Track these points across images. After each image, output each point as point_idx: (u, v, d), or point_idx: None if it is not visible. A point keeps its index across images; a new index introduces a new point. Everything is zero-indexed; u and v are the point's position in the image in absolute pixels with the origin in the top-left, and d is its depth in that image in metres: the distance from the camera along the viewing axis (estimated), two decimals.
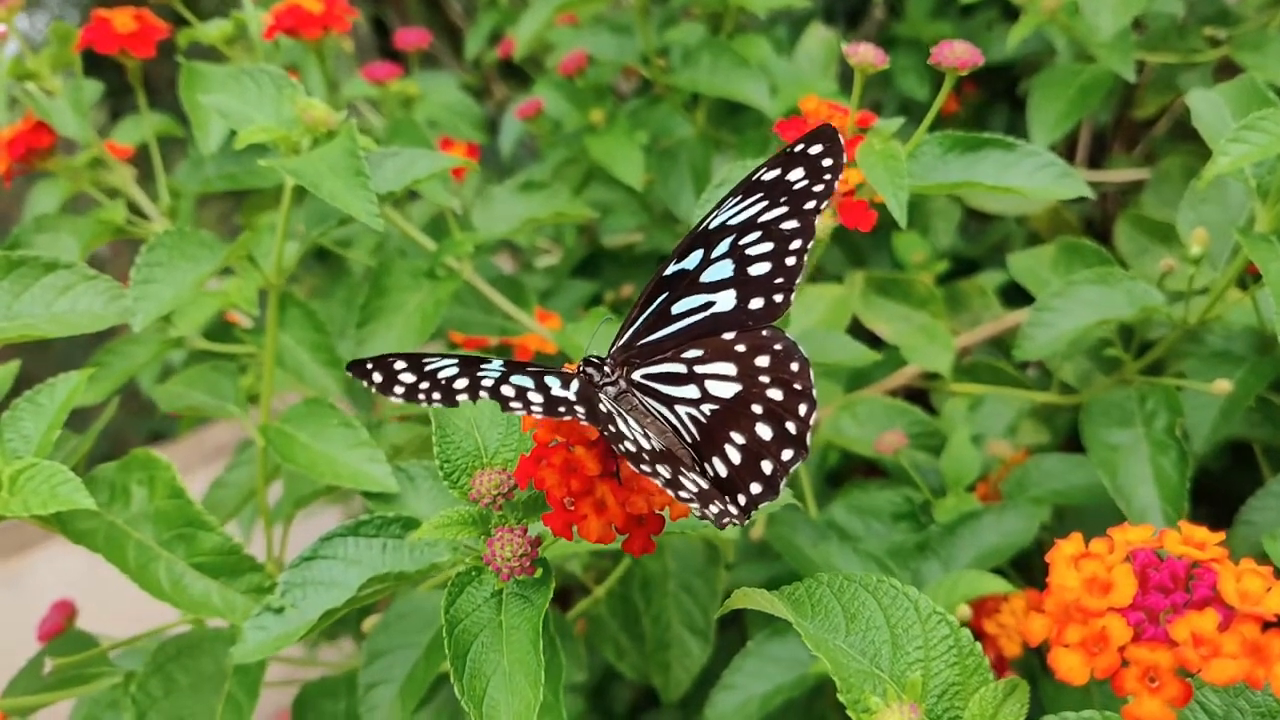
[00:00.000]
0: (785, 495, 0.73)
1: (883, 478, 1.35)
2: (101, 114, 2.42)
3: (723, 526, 0.62)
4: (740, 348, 0.67)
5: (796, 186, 0.68)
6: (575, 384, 0.65)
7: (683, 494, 0.60)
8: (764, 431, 0.65)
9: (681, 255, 0.70)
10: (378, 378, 0.60)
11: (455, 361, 0.62)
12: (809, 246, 0.68)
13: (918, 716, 0.56)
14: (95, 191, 1.20)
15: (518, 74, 2.23)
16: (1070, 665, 0.53)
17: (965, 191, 0.96)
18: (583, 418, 0.61)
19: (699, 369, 0.68)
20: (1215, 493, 1.25)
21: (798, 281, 0.68)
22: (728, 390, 0.66)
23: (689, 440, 0.67)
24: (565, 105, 1.54)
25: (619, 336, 0.71)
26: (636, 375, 0.69)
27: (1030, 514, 1.07)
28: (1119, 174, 1.59)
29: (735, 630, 1.23)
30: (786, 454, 0.64)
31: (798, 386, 0.65)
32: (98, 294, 0.90)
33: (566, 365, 0.69)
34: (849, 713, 0.57)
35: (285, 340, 1.14)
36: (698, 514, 0.62)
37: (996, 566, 1.04)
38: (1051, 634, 0.55)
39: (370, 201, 0.85)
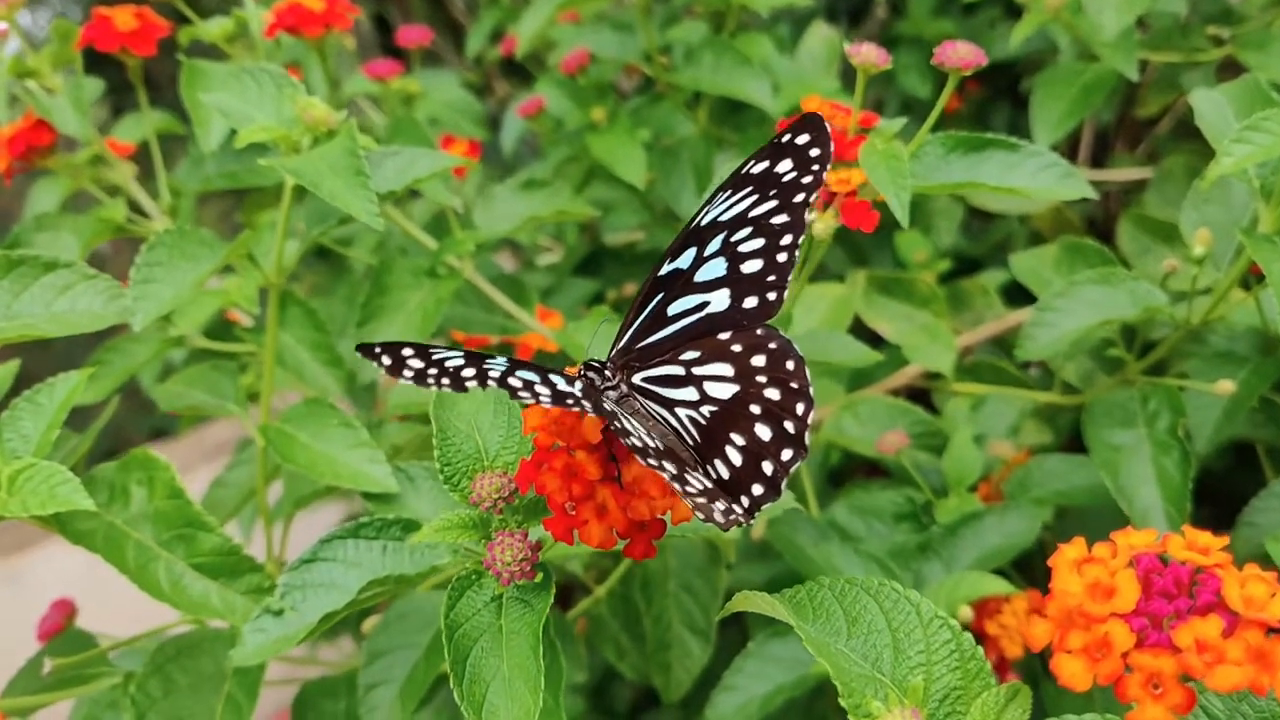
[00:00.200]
0: (788, 497, 0.73)
1: (885, 477, 1.35)
2: (103, 110, 2.41)
3: (727, 528, 0.62)
4: (736, 348, 0.67)
5: (785, 179, 0.68)
6: (579, 385, 0.64)
7: (689, 488, 0.60)
8: (763, 432, 0.64)
9: (675, 254, 0.70)
10: (386, 360, 0.60)
11: (461, 355, 0.62)
12: (799, 242, 0.68)
13: None
14: (96, 189, 1.20)
15: (520, 71, 2.23)
16: (1073, 671, 0.53)
17: (968, 191, 0.96)
18: (590, 410, 0.61)
19: (697, 370, 0.67)
20: (1218, 493, 1.25)
21: (790, 278, 0.68)
22: (726, 391, 0.66)
23: (691, 443, 0.66)
24: (567, 103, 1.54)
25: (618, 339, 0.71)
26: (636, 379, 0.69)
27: (1032, 515, 1.07)
28: (1121, 173, 1.59)
29: (736, 630, 1.23)
30: (786, 454, 0.64)
31: (794, 385, 0.65)
32: (97, 293, 0.89)
33: (567, 369, 0.68)
34: (850, 717, 0.57)
35: (286, 339, 1.14)
36: (701, 517, 0.61)
37: (998, 567, 1.04)
38: (1054, 639, 0.55)
39: (370, 201, 0.85)
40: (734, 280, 0.69)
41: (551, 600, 0.67)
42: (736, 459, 0.65)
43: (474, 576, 0.69)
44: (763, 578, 1.27)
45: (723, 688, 1.01)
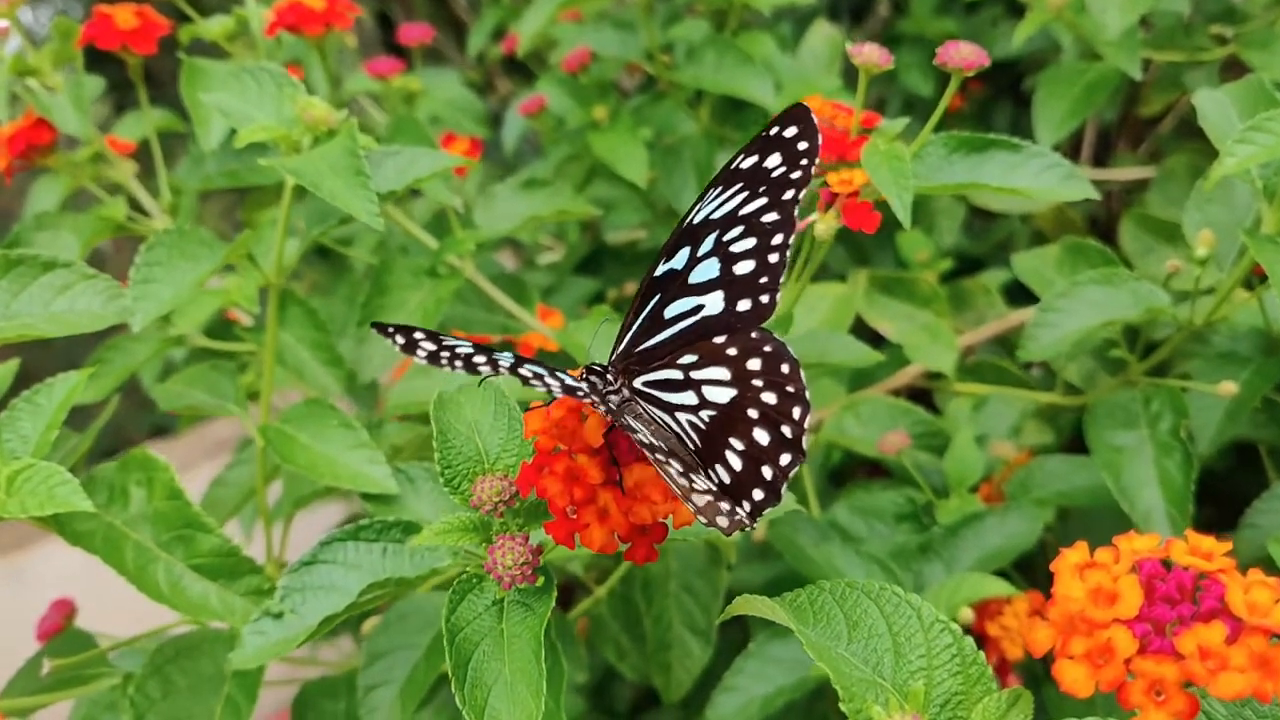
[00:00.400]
0: (789, 501, 0.73)
1: (886, 477, 1.34)
2: (106, 107, 2.41)
3: (730, 533, 0.62)
4: (731, 351, 0.67)
5: (775, 174, 0.67)
6: (586, 385, 0.64)
7: (698, 485, 0.60)
8: (761, 437, 0.64)
9: (670, 253, 0.69)
10: (400, 340, 0.60)
11: (470, 345, 0.62)
12: (790, 242, 0.67)
13: None
14: (96, 188, 1.20)
15: (522, 69, 2.22)
16: (1075, 677, 0.52)
17: (970, 192, 0.95)
18: (597, 405, 0.62)
19: (694, 375, 0.67)
20: (1220, 494, 1.25)
21: (782, 281, 0.67)
22: (724, 395, 0.66)
23: (693, 448, 0.66)
24: (568, 102, 1.54)
25: (618, 342, 0.70)
26: (637, 383, 0.68)
27: (1034, 516, 1.07)
28: (1124, 172, 1.59)
29: (737, 630, 1.23)
30: (785, 459, 0.64)
31: (790, 389, 0.64)
32: (96, 293, 0.89)
33: (569, 371, 0.68)
34: None
35: (286, 338, 1.14)
36: (704, 521, 0.61)
37: (999, 568, 1.04)
38: (1056, 645, 0.54)
39: (371, 201, 0.85)
40: (727, 282, 0.68)
41: (553, 604, 0.66)
42: (737, 464, 0.64)
43: (475, 580, 0.68)
44: (764, 578, 1.27)
45: (723, 688, 1.01)
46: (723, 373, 0.66)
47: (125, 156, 1.23)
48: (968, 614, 0.99)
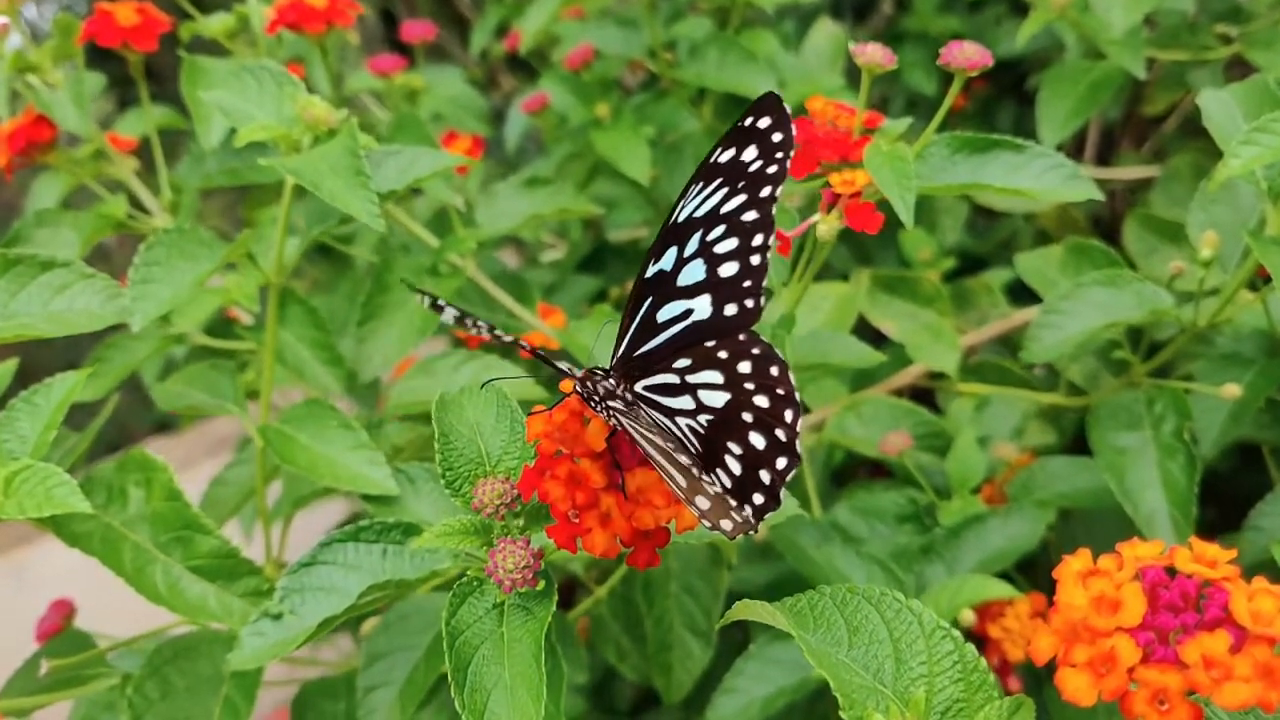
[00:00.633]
0: (791, 504, 0.72)
1: (888, 477, 1.34)
2: (109, 103, 2.41)
3: (733, 537, 0.61)
4: (722, 354, 0.66)
5: (752, 169, 0.66)
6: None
7: (707, 486, 0.60)
8: (757, 440, 0.64)
9: (658, 254, 0.68)
10: (426, 301, 0.61)
11: (489, 327, 0.62)
12: (770, 243, 0.66)
13: None
14: (97, 185, 1.19)
15: (525, 66, 2.22)
16: (1077, 686, 0.52)
17: (973, 192, 0.95)
18: (600, 410, 0.62)
19: (690, 379, 0.66)
20: (1223, 494, 1.25)
21: (765, 284, 0.66)
22: (719, 399, 0.65)
23: (694, 452, 0.66)
24: (571, 99, 1.53)
25: (617, 346, 0.69)
26: (637, 387, 0.68)
27: (1036, 517, 1.06)
28: (1128, 171, 1.58)
29: (738, 631, 1.22)
30: (781, 463, 0.63)
31: (780, 392, 0.64)
32: (95, 293, 0.89)
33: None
34: None
35: (286, 337, 1.13)
36: (708, 525, 0.61)
37: (1001, 570, 1.04)
38: (1058, 653, 0.54)
39: (371, 202, 0.84)
40: (713, 285, 0.67)
41: (554, 608, 0.66)
42: (736, 468, 0.64)
43: (475, 583, 0.68)
44: (765, 579, 1.26)
45: (723, 690, 1.01)
46: (716, 376, 0.65)
47: (127, 154, 1.23)
48: (969, 616, 0.98)
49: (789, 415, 0.63)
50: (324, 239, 1.06)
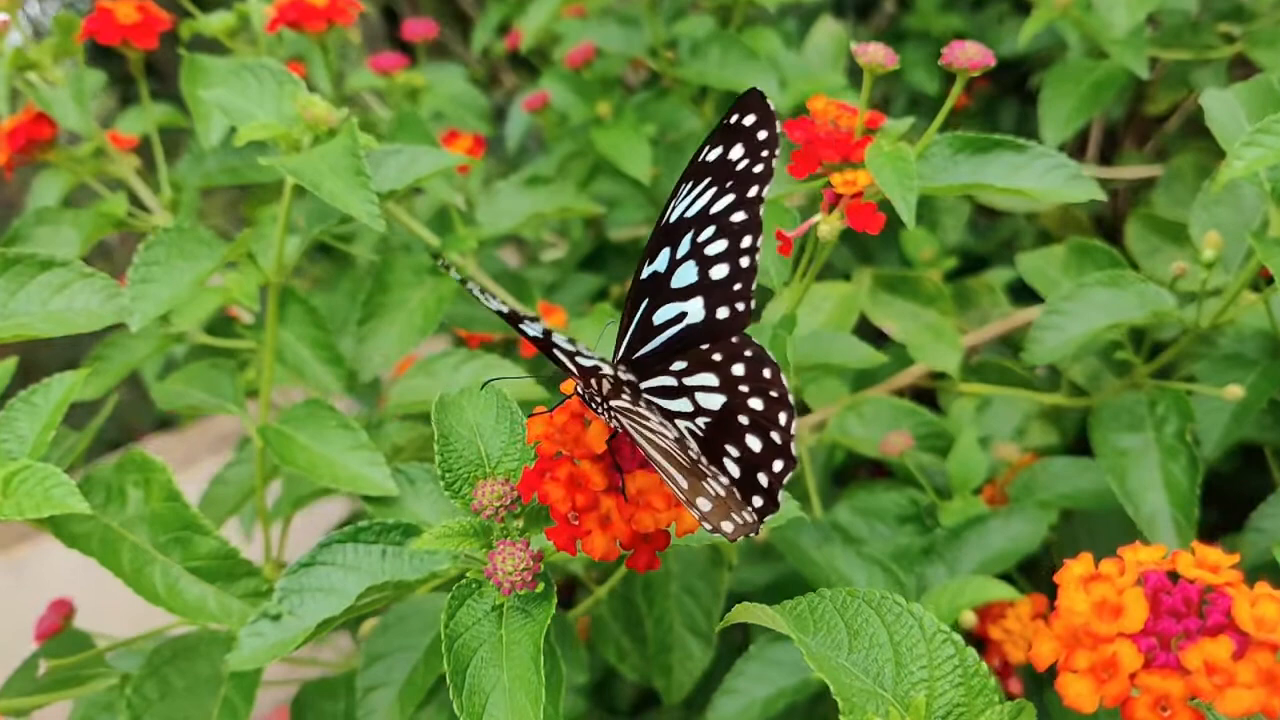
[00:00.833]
0: (792, 507, 0.72)
1: (889, 477, 1.34)
2: (111, 99, 2.41)
3: (734, 538, 0.61)
4: (716, 357, 0.65)
5: (738, 168, 0.65)
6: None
7: (706, 489, 0.60)
8: (754, 443, 0.63)
9: (652, 255, 0.67)
10: (453, 273, 0.61)
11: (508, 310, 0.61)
12: (759, 245, 0.66)
13: None
14: (97, 183, 1.19)
15: (527, 63, 2.22)
16: (1079, 691, 0.52)
17: (975, 192, 0.95)
18: (600, 412, 0.62)
19: (687, 381, 0.66)
20: (1225, 495, 1.24)
21: (754, 287, 0.66)
22: (715, 402, 0.65)
23: (695, 455, 0.65)
24: (572, 98, 1.53)
25: (616, 348, 0.69)
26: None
27: (1037, 518, 1.06)
28: (1130, 170, 1.58)
29: (738, 632, 1.22)
30: (777, 465, 0.63)
31: (774, 394, 0.63)
32: (94, 292, 0.88)
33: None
34: None
35: (286, 337, 1.13)
36: (709, 528, 0.61)
37: (1003, 571, 1.03)
38: (1060, 658, 0.54)
39: (371, 202, 0.84)
40: (705, 288, 0.66)
41: (553, 611, 0.66)
42: (734, 471, 0.63)
43: (474, 585, 0.68)
44: (765, 579, 1.26)
45: (724, 691, 1.01)
46: (712, 379, 0.65)
47: (127, 152, 1.23)
48: (970, 617, 0.98)
49: (783, 418, 0.63)
50: (324, 238, 1.06)
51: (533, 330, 0.60)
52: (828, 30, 1.63)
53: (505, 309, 0.59)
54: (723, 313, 0.66)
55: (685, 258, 0.67)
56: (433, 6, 2.66)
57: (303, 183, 0.85)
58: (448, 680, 0.64)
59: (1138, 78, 1.30)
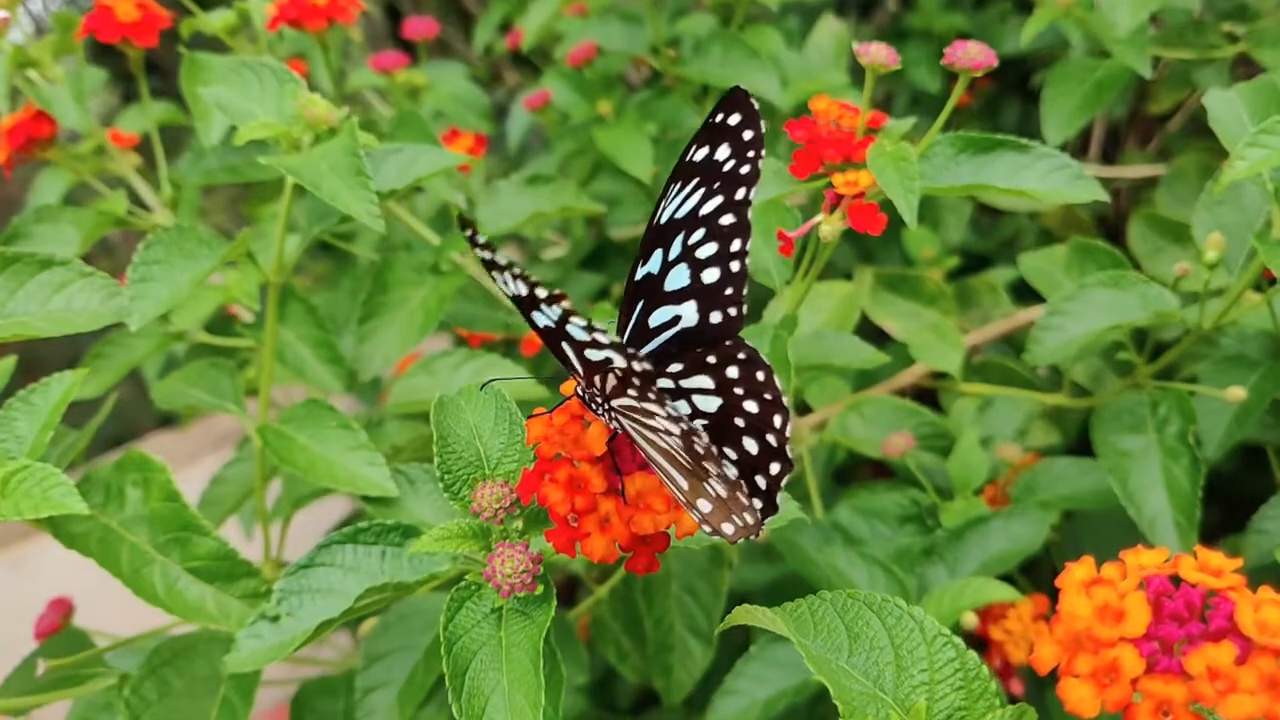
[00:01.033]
0: (792, 509, 0.72)
1: (890, 477, 1.34)
2: (112, 97, 2.40)
3: (735, 540, 0.61)
4: (711, 359, 0.65)
5: (726, 169, 0.65)
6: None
7: (707, 490, 0.59)
8: (751, 445, 0.63)
9: (645, 256, 0.67)
10: (480, 242, 0.58)
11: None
12: (748, 248, 0.65)
13: None
14: (97, 182, 1.19)
15: (529, 61, 2.21)
16: (1080, 696, 0.51)
17: (977, 192, 0.95)
18: (600, 413, 0.62)
19: (684, 384, 0.65)
20: (1227, 495, 1.24)
21: (745, 291, 0.66)
22: (712, 405, 0.64)
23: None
24: (573, 96, 1.53)
25: None
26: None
27: (1039, 519, 1.06)
28: (1133, 170, 1.57)
29: (738, 632, 1.22)
30: (774, 468, 0.63)
31: (768, 397, 0.63)
32: (94, 292, 0.88)
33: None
34: None
35: (286, 336, 1.13)
36: (709, 530, 0.60)
37: (1004, 572, 1.03)
38: (1061, 662, 0.53)
39: (371, 202, 0.84)
40: (697, 291, 0.66)
41: (552, 613, 0.66)
42: (733, 473, 0.63)
43: (473, 587, 0.68)
44: (766, 579, 1.26)
45: (724, 691, 1.00)
46: (707, 382, 0.65)
47: (128, 149, 1.23)
48: (971, 618, 0.98)
49: (778, 420, 0.62)
50: (325, 237, 1.05)
51: (548, 316, 0.58)
52: (829, 29, 1.62)
53: (524, 291, 0.57)
54: (716, 317, 0.66)
55: (677, 260, 0.66)
56: (435, 4, 2.65)
57: (302, 182, 0.84)
58: (447, 683, 0.64)
59: (1140, 77, 1.29)
